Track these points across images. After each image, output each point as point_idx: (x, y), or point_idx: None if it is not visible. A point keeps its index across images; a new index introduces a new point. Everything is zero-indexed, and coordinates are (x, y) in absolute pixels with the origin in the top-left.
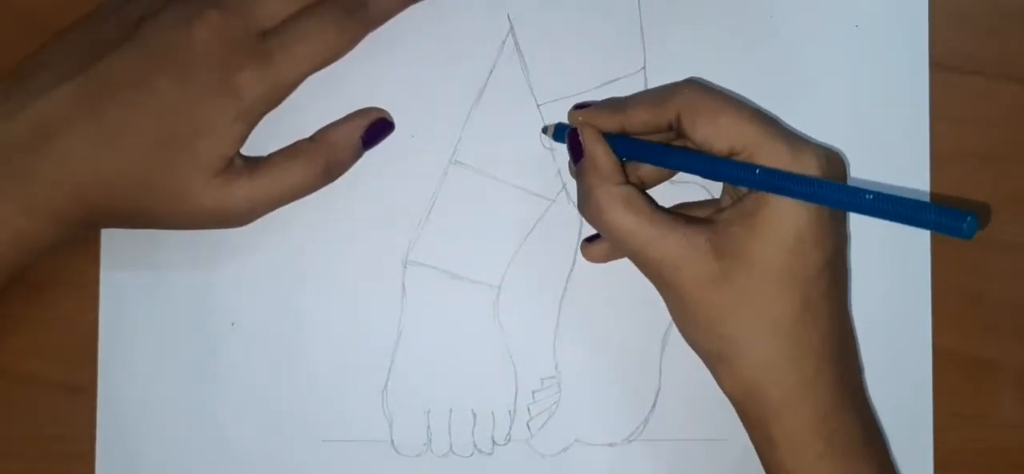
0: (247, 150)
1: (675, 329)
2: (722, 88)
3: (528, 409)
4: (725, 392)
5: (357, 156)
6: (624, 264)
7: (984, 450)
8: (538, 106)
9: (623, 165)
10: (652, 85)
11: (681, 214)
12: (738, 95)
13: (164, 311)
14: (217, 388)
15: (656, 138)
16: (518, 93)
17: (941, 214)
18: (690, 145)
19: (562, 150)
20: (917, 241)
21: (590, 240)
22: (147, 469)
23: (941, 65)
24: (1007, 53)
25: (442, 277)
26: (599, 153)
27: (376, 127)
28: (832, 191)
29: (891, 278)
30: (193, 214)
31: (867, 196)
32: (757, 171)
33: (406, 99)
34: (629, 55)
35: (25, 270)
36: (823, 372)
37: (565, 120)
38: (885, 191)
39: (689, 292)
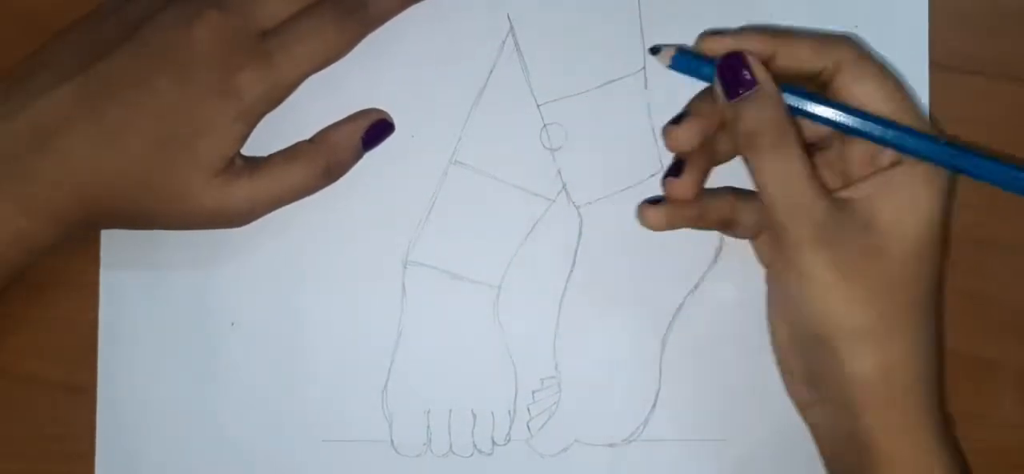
0: (247, 150)
1: (675, 329)
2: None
3: (528, 409)
4: (853, 376)
5: (357, 157)
6: (624, 264)
7: (984, 450)
8: (538, 106)
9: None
10: (652, 85)
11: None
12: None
13: (164, 311)
14: (217, 388)
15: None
16: (518, 93)
17: None
18: (832, 98)
19: (562, 151)
20: None
21: (654, 202)
22: (147, 469)
23: (941, 65)
24: (1007, 53)
25: (442, 277)
26: (773, 84)
27: (376, 128)
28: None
29: None
30: (193, 214)
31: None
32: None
33: (406, 99)
34: (629, 55)
35: (25, 270)
36: (941, 353)
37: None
38: None
39: (839, 262)
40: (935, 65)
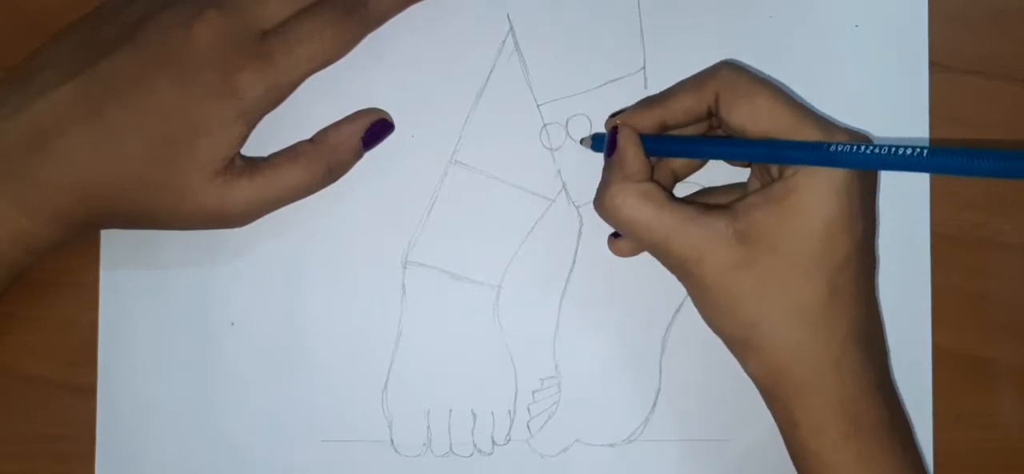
0: (247, 150)
1: (675, 329)
2: (757, 71)
3: (528, 409)
4: (751, 376)
5: (357, 157)
6: (624, 264)
7: (984, 450)
8: (538, 106)
9: (653, 165)
10: (652, 85)
11: (700, 202)
12: (772, 79)
13: (164, 311)
14: (217, 388)
15: (694, 128)
16: (518, 93)
17: (1002, 159)
18: (726, 130)
19: (562, 151)
20: (917, 241)
21: (616, 235)
22: (147, 469)
23: (941, 65)
24: (1007, 53)
25: (442, 277)
26: (629, 152)
27: (376, 128)
28: (872, 154)
29: (891, 278)
30: (193, 214)
31: (915, 152)
32: (793, 146)
33: (406, 99)
34: (629, 55)
35: (25, 270)
36: (849, 354)
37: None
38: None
39: (712, 280)
40: (935, 65)
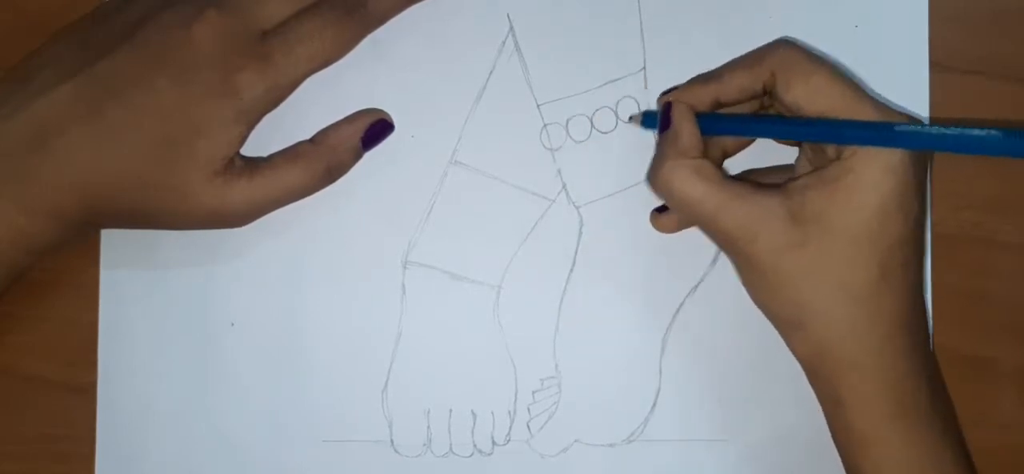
0: (247, 150)
1: (675, 329)
2: (814, 49)
3: (528, 409)
4: (797, 356)
5: (357, 158)
6: (624, 264)
7: (984, 450)
8: (538, 106)
9: (706, 142)
10: (652, 85)
11: (752, 181)
12: (830, 57)
13: (164, 311)
14: (217, 388)
15: (748, 105)
16: (518, 93)
17: None
18: (780, 108)
19: (562, 151)
20: None
21: (660, 210)
22: (147, 469)
23: (941, 65)
24: (1007, 53)
25: (442, 277)
26: (685, 129)
27: (376, 128)
28: (939, 135)
29: None
30: (193, 214)
31: (987, 134)
32: (856, 126)
33: (406, 99)
34: (629, 55)
35: (25, 270)
36: (896, 337)
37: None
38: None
39: (763, 258)
40: (935, 65)
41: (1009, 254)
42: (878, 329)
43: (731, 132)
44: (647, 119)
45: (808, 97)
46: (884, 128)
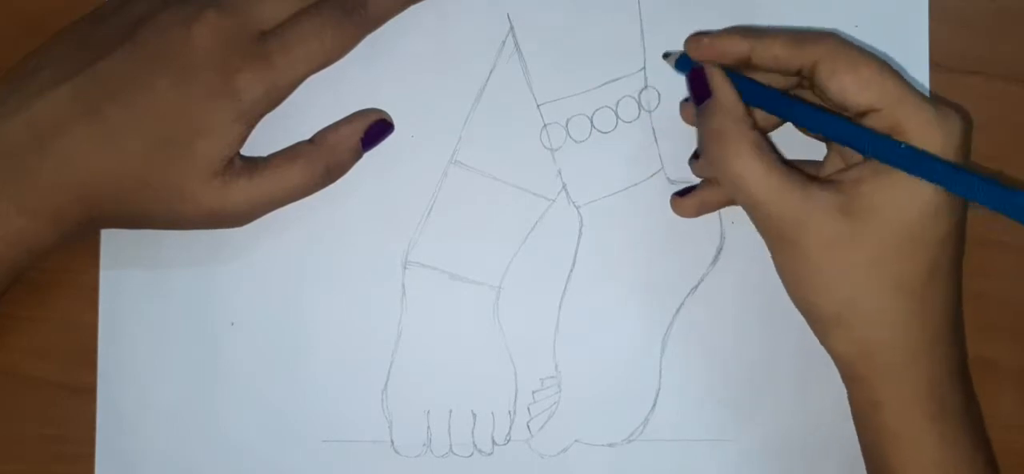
0: (247, 150)
1: (675, 329)
2: (864, 43)
3: (528, 409)
4: (834, 354)
5: (357, 158)
6: (624, 264)
7: None
8: (538, 106)
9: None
10: (652, 85)
11: (801, 170)
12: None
13: (164, 311)
14: (217, 388)
15: (776, 83)
16: (518, 93)
17: None
18: (817, 96)
19: (562, 151)
20: None
21: (682, 193)
22: (147, 469)
23: (941, 65)
24: (1007, 53)
25: (442, 277)
26: (729, 93)
27: (375, 128)
28: (987, 189)
29: None
30: (192, 214)
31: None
32: (902, 146)
33: (406, 99)
34: (629, 55)
35: (25, 271)
36: (943, 337)
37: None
38: None
39: (811, 251)
40: (935, 65)
41: (1009, 254)
42: (926, 328)
43: (769, 108)
44: (681, 63)
45: (855, 88)
46: (931, 162)
